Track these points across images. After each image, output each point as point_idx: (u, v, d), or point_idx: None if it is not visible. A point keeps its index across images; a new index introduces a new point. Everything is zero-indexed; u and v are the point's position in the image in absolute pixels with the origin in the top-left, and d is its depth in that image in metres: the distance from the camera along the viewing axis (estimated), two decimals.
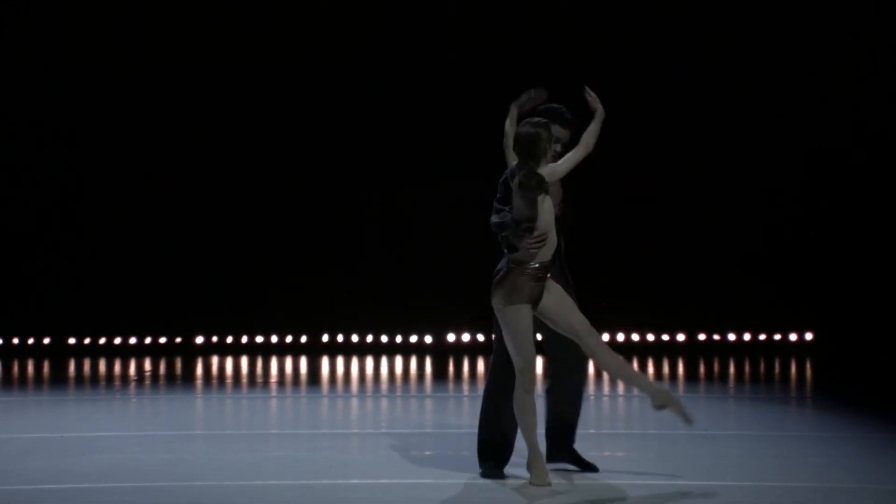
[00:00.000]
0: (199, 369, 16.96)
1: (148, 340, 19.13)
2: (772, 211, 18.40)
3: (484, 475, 8.37)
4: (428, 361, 17.68)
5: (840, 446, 9.85)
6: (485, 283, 8.29)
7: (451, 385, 15.04)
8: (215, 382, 15.32)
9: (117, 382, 15.42)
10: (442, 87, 18.45)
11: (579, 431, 8.69)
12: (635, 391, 7.97)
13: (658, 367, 16.55)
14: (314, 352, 18.92)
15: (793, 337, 18.79)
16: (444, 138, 18.12)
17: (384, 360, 17.87)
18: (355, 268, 18.72)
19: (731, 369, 16.50)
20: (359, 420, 11.96)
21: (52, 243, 18.82)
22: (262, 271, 18.72)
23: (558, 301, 8.12)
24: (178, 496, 7.88)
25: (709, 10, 18.24)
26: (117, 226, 18.78)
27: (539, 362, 8.28)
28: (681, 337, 18.82)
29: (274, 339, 19.20)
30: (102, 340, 19.08)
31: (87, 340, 19.07)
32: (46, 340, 19.05)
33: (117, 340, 19.09)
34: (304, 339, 19.17)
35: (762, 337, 18.80)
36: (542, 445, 8.26)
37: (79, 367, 17.31)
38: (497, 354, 8.43)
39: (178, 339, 19.14)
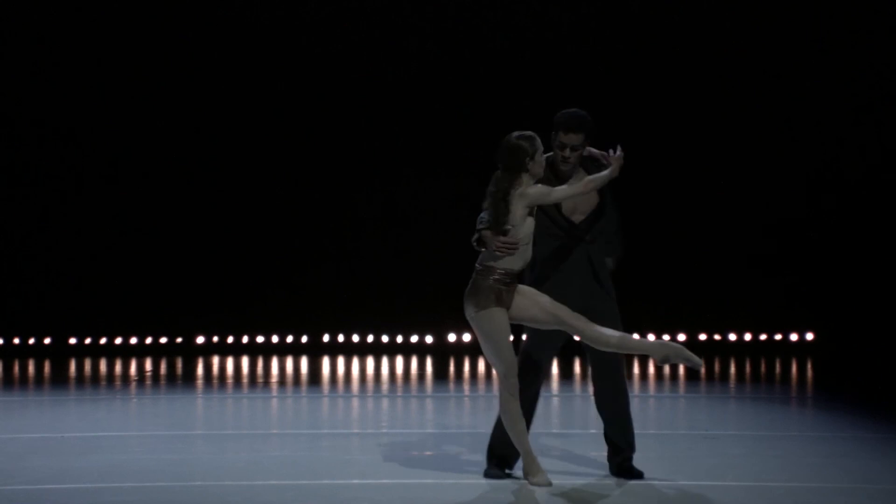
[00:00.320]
0: (200, 369, 16.96)
1: (148, 340, 19.14)
2: (772, 211, 18.40)
3: (486, 475, 8.35)
4: (428, 361, 17.68)
5: (840, 446, 9.85)
6: None
7: (451, 385, 15.04)
8: (216, 382, 15.32)
9: (118, 382, 15.42)
10: (441, 83, 18.45)
11: (592, 432, 8.57)
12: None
13: (659, 368, 16.55)
14: (314, 352, 18.92)
15: (793, 337, 18.80)
16: (445, 138, 18.12)
17: (384, 360, 17.87)
18: (355, 268, 18.73)
19: (732, 369, 16.50)
20: (359, 420, 11.96)
21: (52, 243, 18.83)
22: (262, 271, 18.73)
23: (532, 297, 8.07)
24: (178, 496, 7.88)
25: (713, 12, 18.26)
26: (117, 226, 18.79)
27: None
28: (681, 337, 18.82)
29: (274, 339, 19.21)
30: (103, 340, 19.09)
31: (87, 340, 19.08)
32: (47, 340, 19.06)
33: (118, 340, 19.10)
34: (304, 339, 19.17)
35: (763, 337, 18.81)
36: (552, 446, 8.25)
37: (79, 367, 17.31)
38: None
39: (179, 339, 19.15)
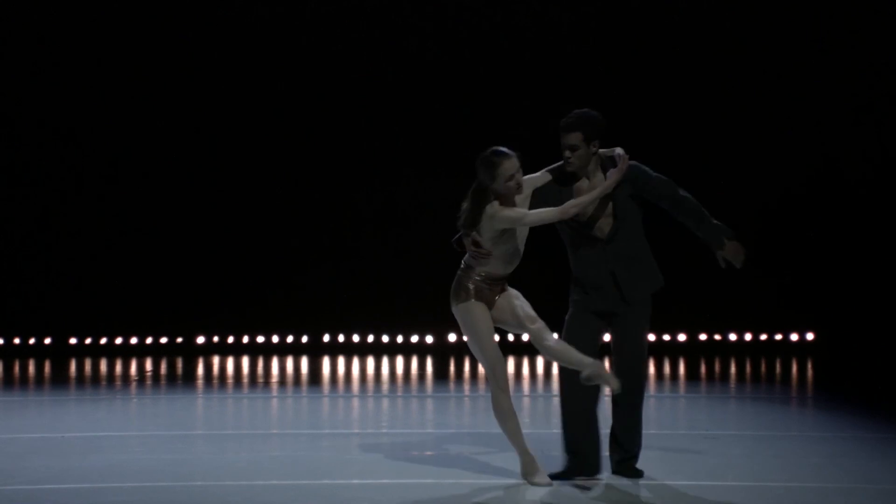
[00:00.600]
0: (200, 369, 16.96)
1: (149, 340, 19.13)
2: (773, 211, 18.40)
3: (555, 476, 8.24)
4: (428, 361, 17.68)
5: (840, 446, 9.84)
6: None
7: (451, 385, 15.04)
8: (216, 382, 15.32)
9: (118, 382, 15.42)
10: (441, 83, 18.45)
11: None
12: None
13: (658, 367, 16.55)
14: (314, 352, 18.92)
15: (793, 337, 18.80)
16: (445, 138, 18.12)
17: (384, 360, 17.87)
18: (355, 268, 18.72)
19: (732, 369, 16.50)
20: (359, 420, 11.96)
21: (52, 243, 18.83)
22: (262, 271, 18.73)
23: (510, 300, 8.13)
24: (178, 496, 7.88)
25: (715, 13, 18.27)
26: (118, 226, 18.79)
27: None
28: (681, 337, 18.82)
29: (274, 339, 19.21)
30: (103, 340, 19.09)
31: (87, 340, 19.08)
32: (47, 340, 19.05)
33: (118, 340, 19.10)
34: (304, 339, 19.17)
35: (763, 337, 18.81)
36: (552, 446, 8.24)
37: (79, 367, 17.31)
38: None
39: (179, 339, 19.15)
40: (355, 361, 17.70)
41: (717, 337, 18.82)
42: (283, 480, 8.31)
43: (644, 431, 8.46)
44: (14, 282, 18.86)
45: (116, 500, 7.73)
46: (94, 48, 18.58)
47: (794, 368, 16.79)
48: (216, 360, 18.16)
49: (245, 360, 18.03)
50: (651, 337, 18.85)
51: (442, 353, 18.66)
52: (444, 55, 18.54)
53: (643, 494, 7.88)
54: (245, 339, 19.20)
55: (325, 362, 17.79)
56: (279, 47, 18.63)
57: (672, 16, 18.27)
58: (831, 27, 18.12)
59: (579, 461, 8.22)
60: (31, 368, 17.09)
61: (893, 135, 18.09)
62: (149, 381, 15.37)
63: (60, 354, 18.62)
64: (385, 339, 19.17)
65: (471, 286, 8.08)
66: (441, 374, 16.17)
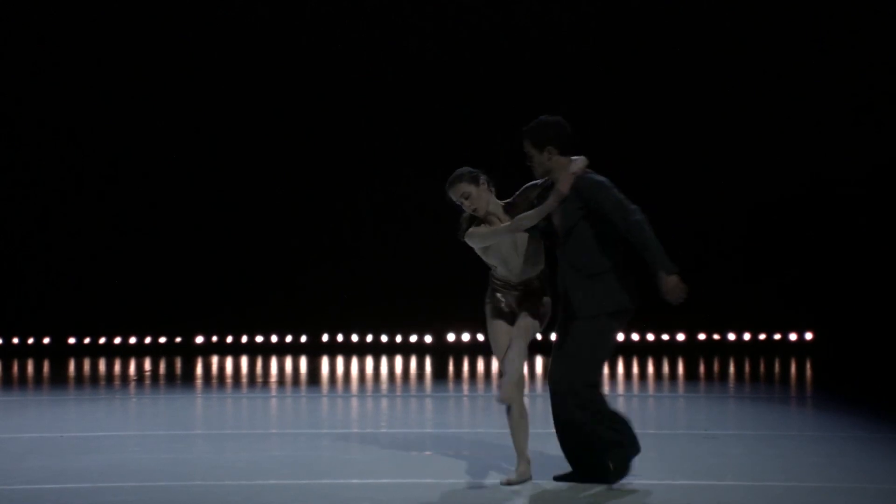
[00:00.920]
0: (199, 369, 16.96)
1: (148, 340, 19.14)
2: (773, 211, 18.40)
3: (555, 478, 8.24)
4: (428, 361, 17.68)
5: (840, 446, 9.84)
6: (485, 282, 8.36)
7: (451, 385, 15.04)
8: (215, 382, 15.32)
9: (117, 382, 15.42)
10: (441, 83, 18.45)
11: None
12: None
13: (658, 367, 16.55)
14: (314, 352, 18.92)
15: (793, 337, 18.80)
16: (445, 138, 18.12)
17: (384, 360, 17.87)
18: (355, 267, 18.73)
19: (731, 369, 16.49)
20: (359, 420, 11.96)
21: (51, 243, 18.83)
22: (262, 271, 18.73)
23: (522, 318, 8.21)
24: (178, 496, 7.88)
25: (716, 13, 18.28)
26: (117, 226, 18.80)
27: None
28: (681, 337, 18.82)
29: (274, 339, 19.21)
30: (102, 340, 19.09)
31: (87, 340, 19.08)
32: (46, 340, 19.06)
33: (117, 340, 19.10)
34: (304, 339, 19.17)
35: (762, 337, 18.81)
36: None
37: (79, 366, 17.31)
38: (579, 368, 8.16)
39: (178, 339, 19.15)
40: (355, 361, 17.70)
41: (717, 337, 18.82)
42: (282, 480, 8.31)
43: (644, 431, 8.44)
44: (14, 282, 18.87)
45: (116, 500, 7.73)
46: (94, 48, 18.58)
47: (794, 368, 16.79)
48: (215, 359, 18.16)
49: (244, 360, 18.02)
50: (651, 337, 18.85)
51: (441, 352, 18.65)
52: (444, 55, 18.55)
53: (644, 494, 7.87)
54: (244, 339, 19.20)
55: (325, 362, 17.79)
56: (279, 47, 18.63)
57: (672, 16, 18.28)
58: (831, 27, 18.12)
59: (582, 470, 8.19)
60: (31, 368, 17.09)
61: (893, 135, 18.09)
62: (148, 381, 15.37)
63: (60, 354, 18.62)
64: (384, 338, 19.17)
65: (490, 290, 8.31)
66: (440, 373, 16.17)
